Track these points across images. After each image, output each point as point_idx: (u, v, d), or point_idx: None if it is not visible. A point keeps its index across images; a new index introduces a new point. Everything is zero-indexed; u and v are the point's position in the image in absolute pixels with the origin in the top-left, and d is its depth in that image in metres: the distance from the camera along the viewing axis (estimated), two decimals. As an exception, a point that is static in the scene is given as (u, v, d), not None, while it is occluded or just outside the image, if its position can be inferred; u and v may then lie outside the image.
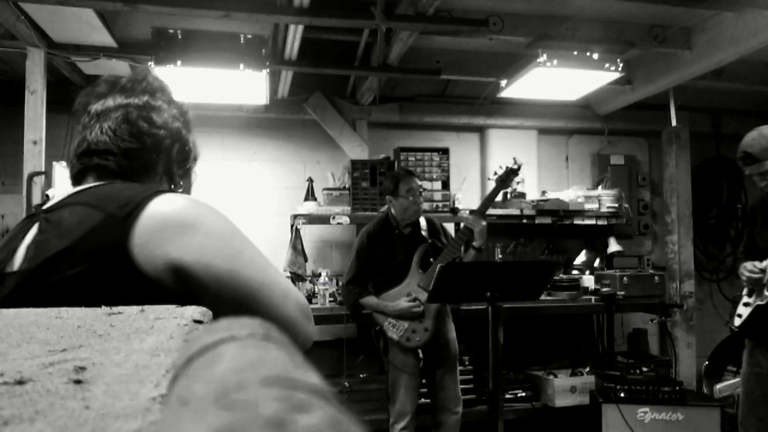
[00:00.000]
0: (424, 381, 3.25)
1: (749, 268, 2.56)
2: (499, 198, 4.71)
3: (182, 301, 0.69)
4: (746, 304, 2.61)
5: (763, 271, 2.52)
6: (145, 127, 1.08)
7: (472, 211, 4.27)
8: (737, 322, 2.65)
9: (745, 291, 2.68)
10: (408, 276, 3.13)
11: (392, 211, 3.25)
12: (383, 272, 3.19)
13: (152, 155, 1.09)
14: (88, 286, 0.90)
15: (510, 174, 3.25)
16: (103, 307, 0.65)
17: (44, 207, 0.98)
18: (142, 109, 1.09)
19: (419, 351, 3.07)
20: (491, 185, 3.28)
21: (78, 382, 0.38)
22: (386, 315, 3.10)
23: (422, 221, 3.26)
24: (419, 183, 3.22)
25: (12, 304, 0.80)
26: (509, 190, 4.56)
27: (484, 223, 3.05)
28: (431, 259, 3.11)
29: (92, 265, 0.90)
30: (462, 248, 3.12)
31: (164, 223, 0.90)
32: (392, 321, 3.09)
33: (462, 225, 3.18)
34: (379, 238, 3.24)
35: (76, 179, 1.05)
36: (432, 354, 3.15)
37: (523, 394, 4.34)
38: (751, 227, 2.77)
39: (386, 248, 3.21)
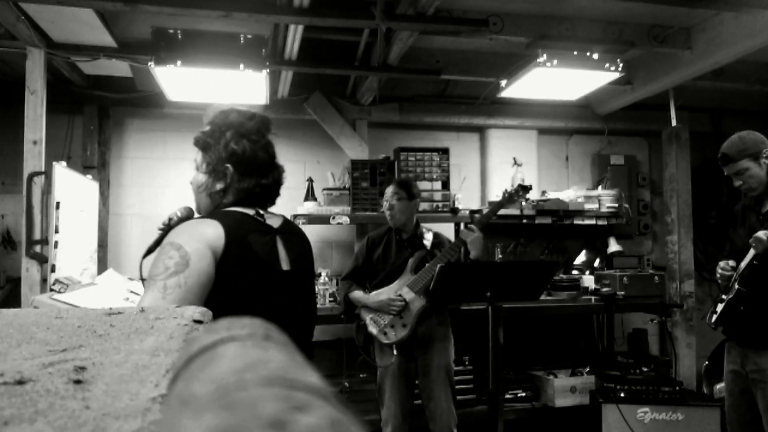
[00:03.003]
0: (417, 382, 3.23)
1: (722, 266, 2.71)
2: (499, 198, 4.73)
3: None
4: (721, 301, 2.69)
5: (734, 269, 2.63)
6: None
7: (472, 212, 4.29)
8: (713, 317, 2.73)
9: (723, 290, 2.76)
10: (400, 278, 3.13)
11: None
12: (379, 273, 3.20)
13: None
14: (313, 290, 1.73)
15: (520, 191, 3.25)
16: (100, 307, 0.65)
17: (275, 227, 1.57)
18: None
19: (394, 348, 3.03)
20: (498, 200, 3.28)
21: (78, 382, 0.38)
22: (369, 309, 3.11)
23: (429, 234, 3.25)
24: (396, 191, 3.17)
25: (293, 290, 1.55)
26: (511, 191, 4.58)
27: (479, 234, 3.00)
28: (427, 265, 3.11)
29: (313, 275, 1.76)
30: (456, 257, 3.08)
31: None
32: (374, 316, 3.09)
33: (460, 233, 3.16)
34: (379, 240, 3.27)
35: (262, 199, 1.60)
36: (412, 356, 3.11)
37: (523, 394, 4.34)
38: (733, 229, 2.83)
39: (384, 251, 3.23)
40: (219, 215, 1.47)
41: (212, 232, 1.38)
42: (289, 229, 1.64)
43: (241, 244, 1.41)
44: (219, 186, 1.54)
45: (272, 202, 1.66)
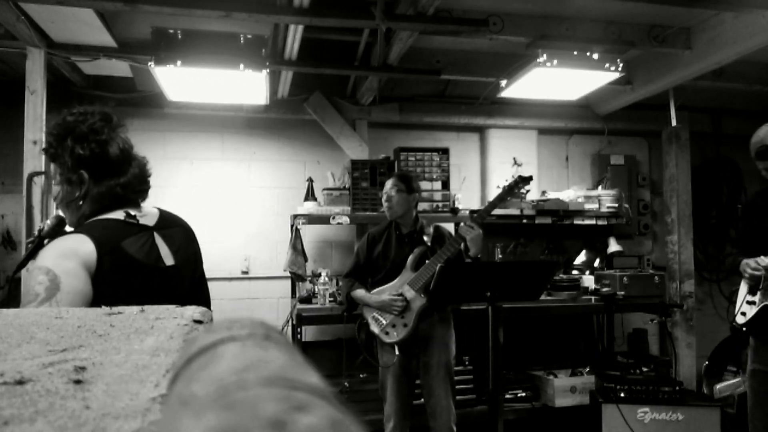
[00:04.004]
0: (418, 382, 3.24)
1: (752, 266, 2.59)
2: (499, 191, 4.73)
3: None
4: (750, 302, 2.62)
5: (766, 268, 2.54)
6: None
7: (473, 212, 4.29)
8: (741, 319, 2.66)
9: (744, 288, 2.70)
10: (401, 275, 3.13)
11: None
12: (380, 270, 3.20)
13: None
14: (204, 278, 1.67)
15: (520, 183, 3.20)
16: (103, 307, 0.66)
17: (150, 225, 1.51)
18: None
19: (396, 347, 3.04)
20: (498, 192, 3.22)
21: (78, 382, 0.38)
22: (371, 308, 3.13)
23: (429, 228, 3.25)
24: (396, 183, 3.18)
25: (181, 282, 1.53)
26: (511, 183, 4.57)
27: (478, 230, 2.97)
28: (427, 261, 3.10)
29: (202, 264, 1.67)
30: (456, 253, 3.05)
31: None
32: (376, 315, 3.11)
33: (459, 229, 3.15)
34: (380, 237, 3.28)
35: (127, 198, 1.50)
36: (413, 353, 3.12)
37: (523, 394, 4.34)
38: (747, 222, 2.78)
39: (384, 247, 3.23)
40: (86, 228, 1.41)
41: (82, 248, 1.33)
42: (168, 223, 1.58)
43: (114, 252, 1.37)
44: (77, 194, 1.46)
45: (143, 198, 1.58)
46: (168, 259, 1.50)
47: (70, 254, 1.31)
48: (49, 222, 1.59)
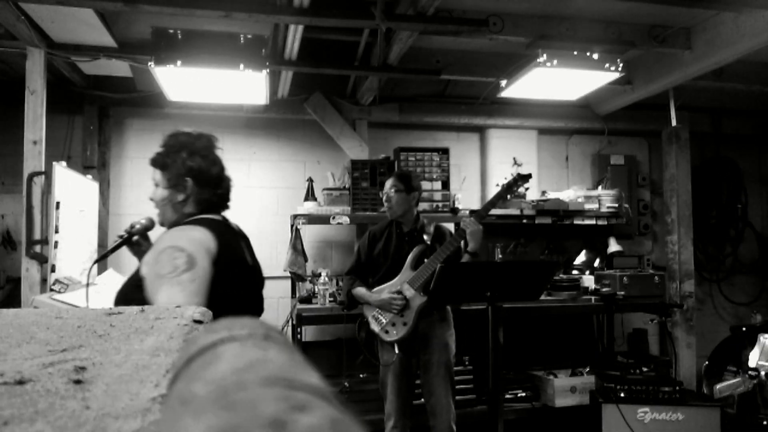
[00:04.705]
0: (418, 382, 3.24)
1: None
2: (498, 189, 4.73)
3: None
4: None
5: None
6: None
7: (472, 212, 4.28)
8: None
9: None
10: (400, 274, 3.13)
11: None
12: (380, 267, 3.21)
13: None
14: None
15: (518, 180, 3.22)
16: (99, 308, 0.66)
17: (237, 230, 1.84)
18: None
19: (395, 345, 3.05)
20: (497, 190, 3.23)
21: (78, 382, 0.38)
22: (371, 306, 3.14)
23: (430, 227, 3.25)
24: (394, 184, 3.17)
25: (255, 280, 1.86)
26: (510, 181, 4.58)
27: (479, 226, 3.00)
28: (426, 260, 3.10)
29: None
30: (455, 250, 3.06)
31: None
32: (376, 314, 3.11)
33: (461, 222, 3.16)
34: (380, 234, 3.28)
35: (219, 206, 1.82)
36: (413, 352, 3.13)
37: (523, 394, 4.34)
38: None
39: (385, 245, 3.23)
40: (200, 222, 1.67)
41: (204, 237, 1.58)
42: (243, 232, 1.91)
43: (226, 245, 1.63)
44: (180, 197, 1.75)
45: (226, 208, 1.88)
46: (249, 260, 1.81)
47: (195, 240, 1.54)
48: (143, 221, 1.91)
